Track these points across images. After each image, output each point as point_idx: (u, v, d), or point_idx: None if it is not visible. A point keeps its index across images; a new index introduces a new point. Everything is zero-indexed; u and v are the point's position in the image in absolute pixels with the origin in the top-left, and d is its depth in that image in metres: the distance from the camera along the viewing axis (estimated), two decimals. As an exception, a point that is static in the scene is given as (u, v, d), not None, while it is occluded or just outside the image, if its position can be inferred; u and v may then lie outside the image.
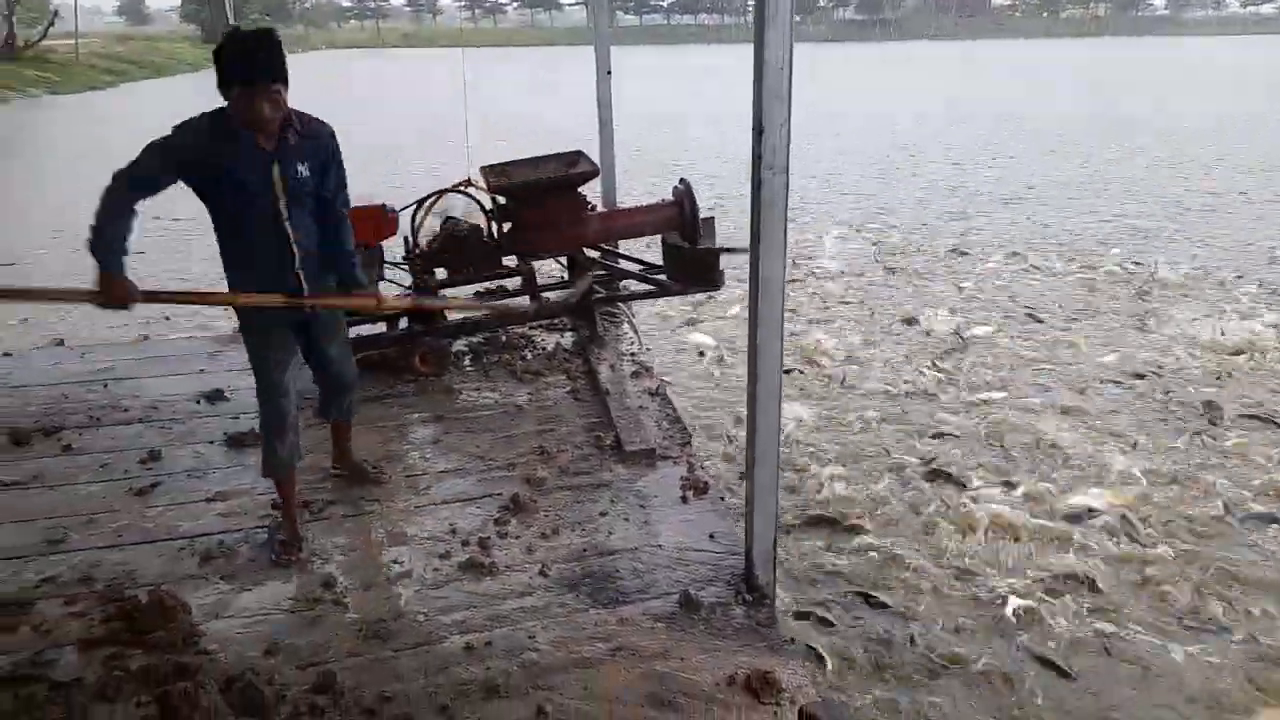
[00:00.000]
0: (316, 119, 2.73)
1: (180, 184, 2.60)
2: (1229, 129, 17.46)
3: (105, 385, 4.32)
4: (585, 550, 2.89)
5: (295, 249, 2.70)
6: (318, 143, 2.70)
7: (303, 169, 2.65)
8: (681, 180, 4.54)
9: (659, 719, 2.16)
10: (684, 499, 3.20)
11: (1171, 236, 9.31)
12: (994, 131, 17.82)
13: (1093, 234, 9.46)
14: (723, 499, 3.26)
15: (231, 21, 4.90)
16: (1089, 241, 9.13)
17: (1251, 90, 26.01)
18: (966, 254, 8.72)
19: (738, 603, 2.59)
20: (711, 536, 2.95)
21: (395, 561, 2.85)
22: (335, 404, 3.21)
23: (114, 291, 2.53)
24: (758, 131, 2.21)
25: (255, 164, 2.59)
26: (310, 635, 2.49)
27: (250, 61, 2.49)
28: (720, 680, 2.28)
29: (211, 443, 3.70)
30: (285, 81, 2.54)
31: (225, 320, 6.77)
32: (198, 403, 4.10)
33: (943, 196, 11.68)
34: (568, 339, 4.88)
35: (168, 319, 6.69)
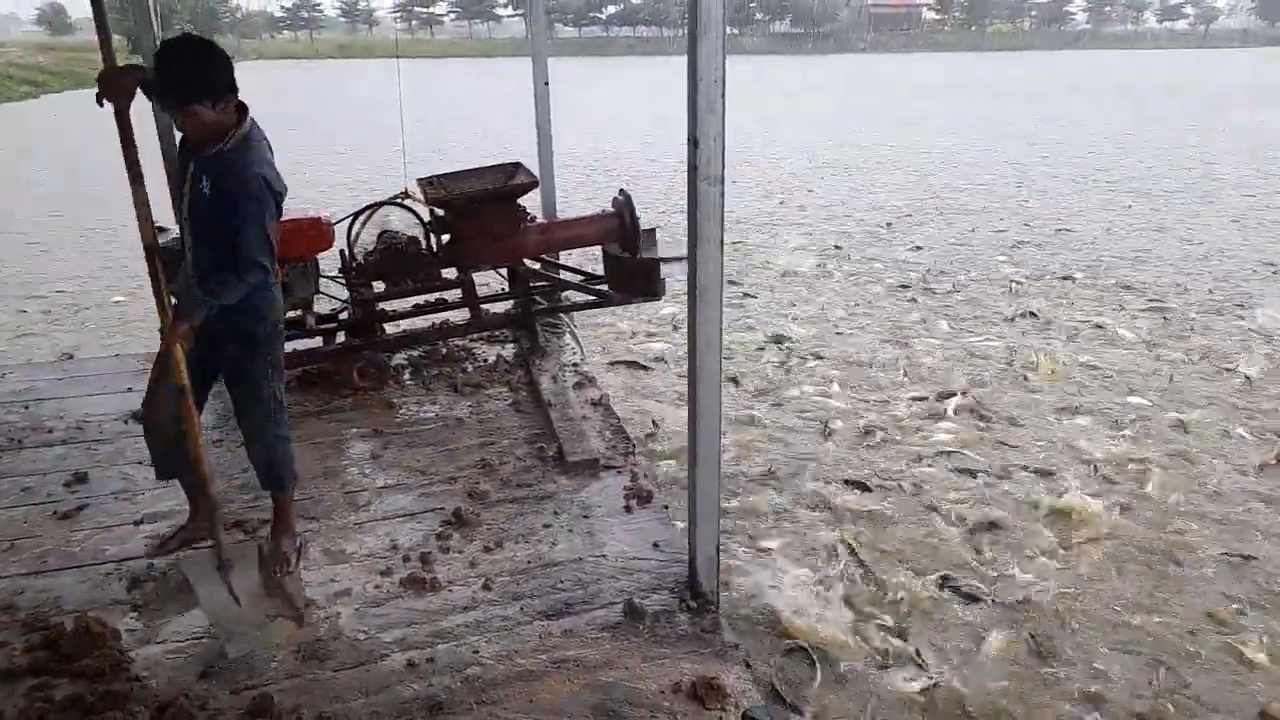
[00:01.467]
0: (243, 148, 2.53)
1: None
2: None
3: (26, 407, 4.16)
4: (529, 563, 2.88)
5: (189, 264, 2.66)
6: (221, 166, 2.51)
7: (205, 186, 2.52)
8: (621, 191, 4.56)
9: (604, 729, 2.16)
10: (628, 508, 3.21)
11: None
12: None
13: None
14: (666, 507, 3.27)
15: (158, 32, 4.78)
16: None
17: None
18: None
19: (682, 610, 2.60)
20: (655, 545, 2.96)
21: (334, 580, 2.80)
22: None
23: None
24: (693, 143, 2.24)
25: (183, 167, 2.57)
26: (247, 657, 2.43)
27: (159, 85, 2.45)
28: (665, 688, 2.28)
29: (140, 463, 3.58)
30: (203, 99, 2.41)
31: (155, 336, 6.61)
32: (125, 422, 3.98)
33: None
34: (509, 351, 4.85)
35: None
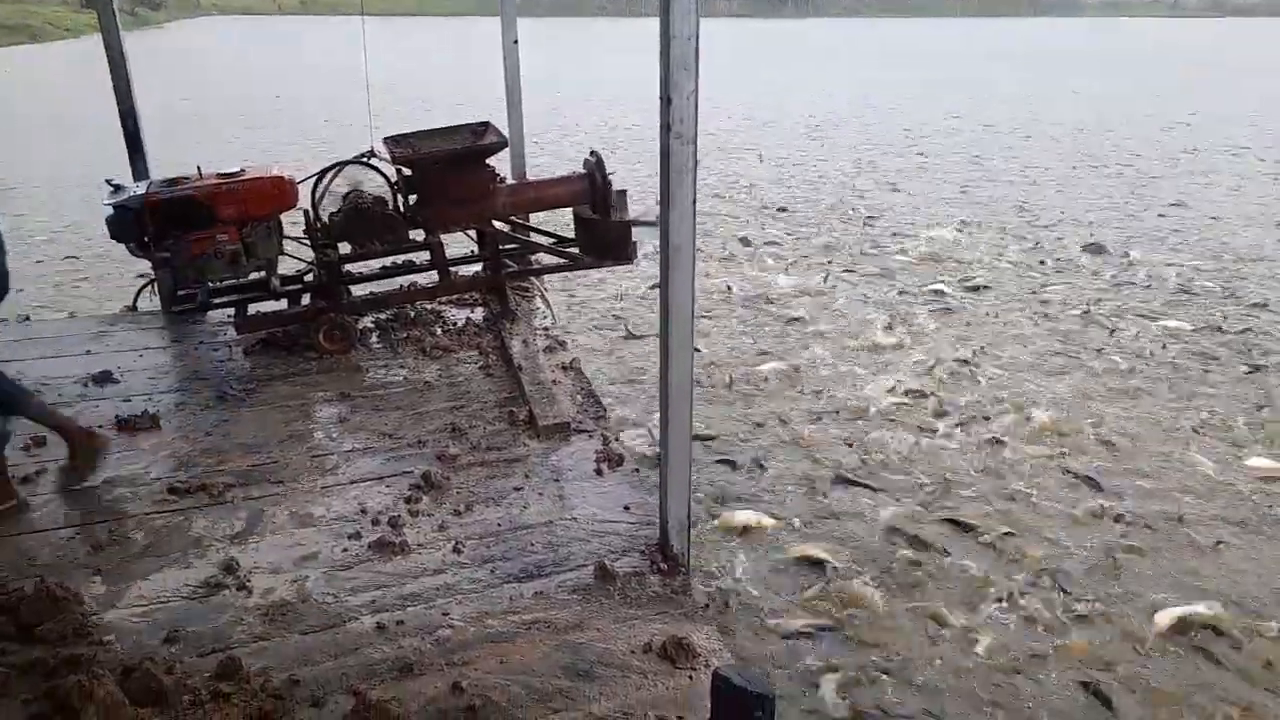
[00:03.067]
0: None
1: None
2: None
3: (-19, 369, 4.06)
4: (499, 526, 2.87)
5: None
6: None
7: None
8: (592, 152, 4.50)
9: (575, 689, 2.16)
10: (599, 472, 3.21)
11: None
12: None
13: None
14: (637, 470, 3.27)
15: (112, -17, 4.60)
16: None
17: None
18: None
19: (653, 572, 2.61)
20: (626, 508, 2.96)
21: (301, 543, 2.77)
22: None
23: None
24: (665, 100, 2.20)
25: None
26: (212, 621, 2.40)
27: None
28: (636, 648, 2.29)
29: (101, 426, 3.50)
30: None
31: (115, 300, 6.48)
32: (85, 385, 3.90)
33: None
34: (478, 314, 4.81)
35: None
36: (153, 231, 3.95)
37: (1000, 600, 3.38)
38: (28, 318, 5.44)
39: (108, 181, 4.12)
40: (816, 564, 3.61)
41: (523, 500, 3.02)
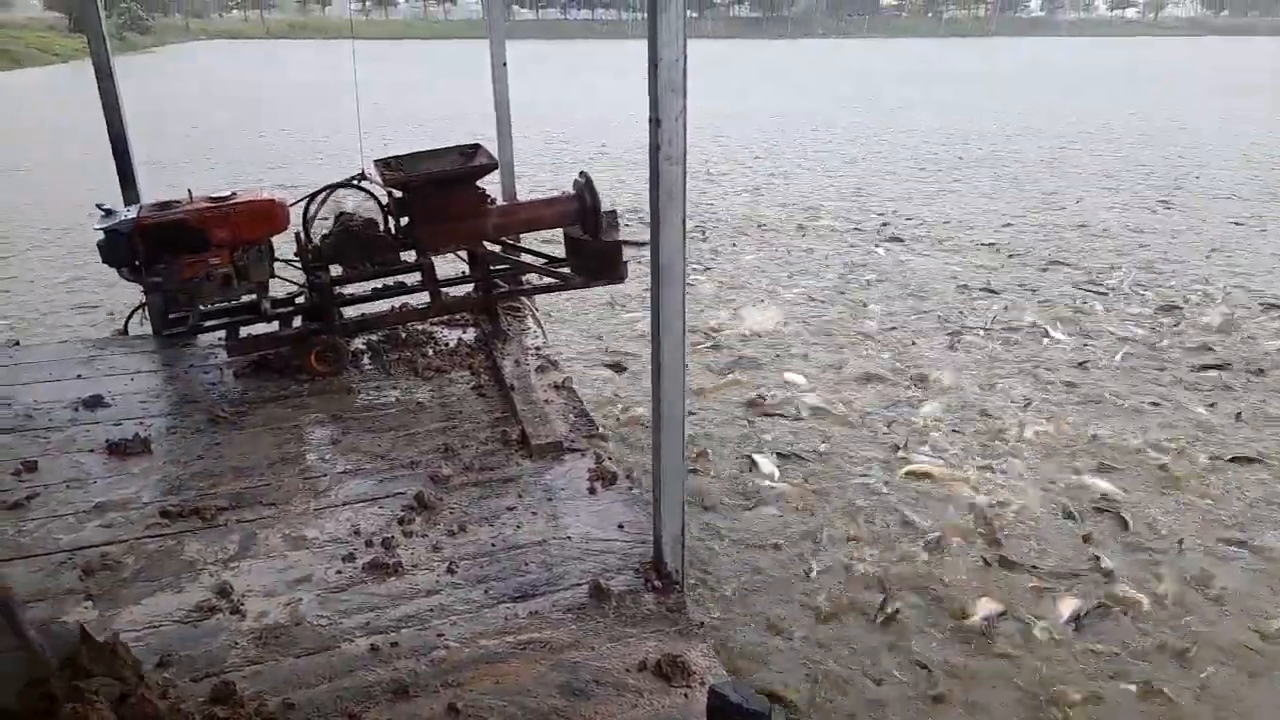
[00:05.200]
0: None
1: None
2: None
3: (-29, 394, 4.05)
4: (493, 545, 2.87)
5: None
6: None
7: None
8: (581, 173, 4.53)
9: (571, 708, 2.16)
10: (592, 490, 3.21)
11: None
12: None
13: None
14: (631, 489, 3.28)
15: (102, 10, 4.64)
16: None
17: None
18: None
19: (647, 590, 2.61)
20: (620, 526, 2.96)
21: (295, 566, 2.76)
22: None
23: None
24: (654, 123, 2.23)
25: None
26: (206, 645, 2.40)
27: None
28: (631, 666, 2.29)
29: (92, 451, 3.51)
30: None
31: (107, 319, 6.47)
32: (76, 409, 3.88)
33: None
34: (470, 335, 4.82)
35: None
36: (144, 255, 3.96)
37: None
38: (17, 342, 5.42)
39: (98, 206, 4.13)
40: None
41: (516, 520, 3.02)
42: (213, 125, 18.31)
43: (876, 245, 9.14)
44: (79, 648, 2.13)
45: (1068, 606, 3.46)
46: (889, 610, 3.45)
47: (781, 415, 5.21)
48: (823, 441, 4.86)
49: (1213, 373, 5.76)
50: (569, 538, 2.90)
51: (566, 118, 19.35)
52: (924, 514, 4.12)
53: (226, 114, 20.17)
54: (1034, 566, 3.72)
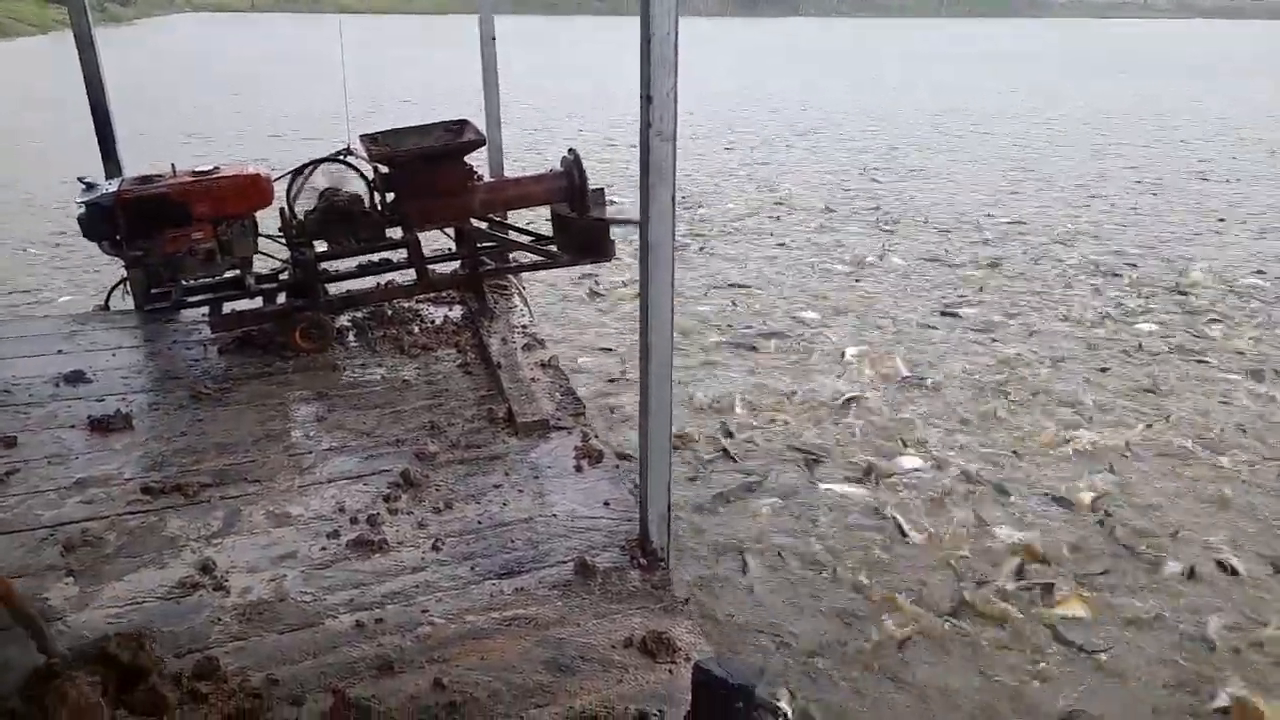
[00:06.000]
0: None
1: None
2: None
3: (-51, 369, 4.00)
4: (479, 523, 2.86)
5: None
6: None
7: None
8: (570, 150, 4.50)
9: (556, 684, 2.17)
10: (578, 468, 3.21)
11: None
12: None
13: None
14: (617, 467, 3.28)
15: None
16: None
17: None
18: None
19: (633, 567, 2.62)
20: (606, 504, 2.96)
21: (279, 543, 2.75)
22: None
23: None
24: (646, 98, 2.21)
25: None
26: (189, 621, 2.38)
27: None
28: (617, 643, 2.30)
29: (73, 427, 3.47)
30: None
31: (87, 295, 6.41)
32: (57, 385, 3.84)
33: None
34: (456, 312, 4.79)
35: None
36: (126, 229, 3.91)
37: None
38: (-5, 317, 5.36)
39: (80, 179, 4.07)
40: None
41: (502, 497, 3.02)
42: (191, 104, 18.03)
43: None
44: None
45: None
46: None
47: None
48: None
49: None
50: (555, 515, 2.90)
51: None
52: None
53: (203, 91, 19.86)
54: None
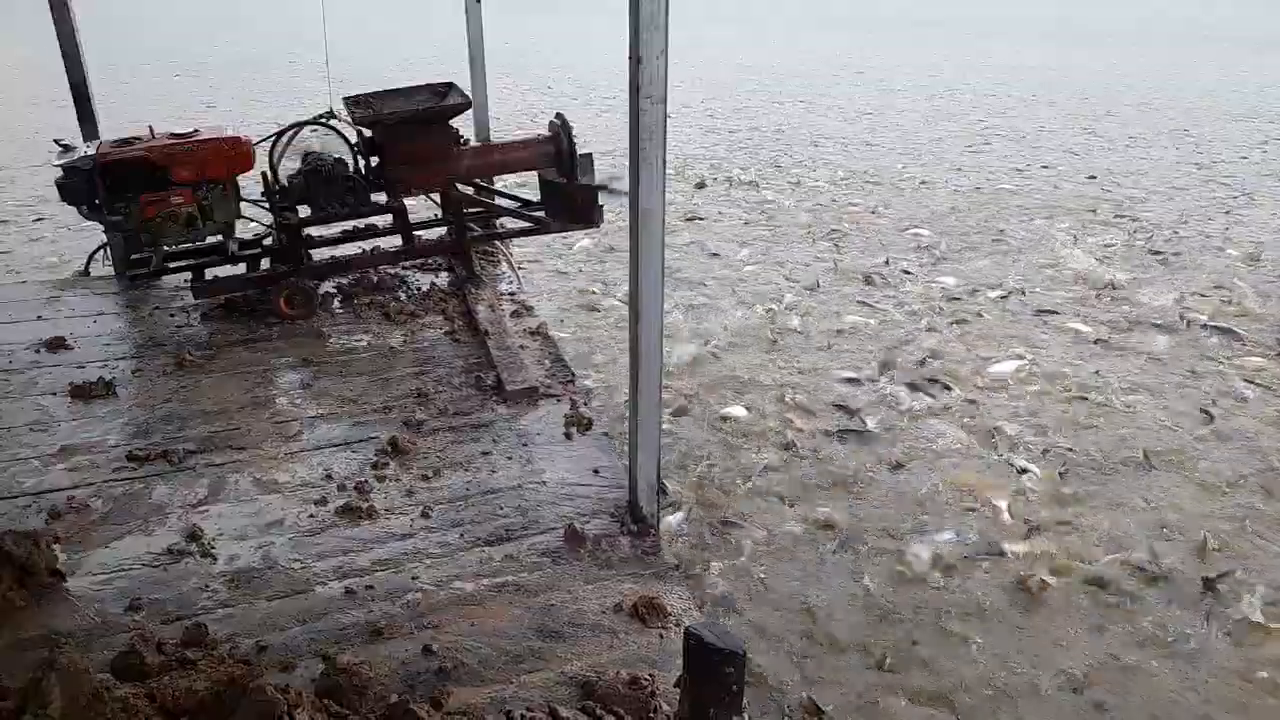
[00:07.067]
0: None
1: None
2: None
3: (-74, 335, 3.93)
4: (468, 490, 2.86)
5: None
6: None
7: None
8: (558, 115, 4.43)
9: (547, 649, 2.17)
10: (568, 435, 3.20)
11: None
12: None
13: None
14: (606, 434, 3.27)
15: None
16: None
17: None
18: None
19: (623, 533, 2.62)
20: (596, 471, 2.96)
21: (266, 510, 2.74)
22: None
23: None
24: (635, 60, 2.17)
25: None
26: (177, 588, 2.37)
27: None
28: (607, 608, 2.31)
29: (55, 394, 3.43)
30: None
31: (70, 261, 6.30)
32: (37, 352, 3.79)
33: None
34: (443, 279, 4.74)
35: None
36: (104, 193, 3.84)
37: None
38: (-26, 283, 5.27)
39: (56, 141, 3.99)
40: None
41: (491, 465, 3.01)
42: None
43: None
44: None
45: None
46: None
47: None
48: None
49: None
50: (544, 482, 2.90)
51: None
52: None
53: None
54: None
